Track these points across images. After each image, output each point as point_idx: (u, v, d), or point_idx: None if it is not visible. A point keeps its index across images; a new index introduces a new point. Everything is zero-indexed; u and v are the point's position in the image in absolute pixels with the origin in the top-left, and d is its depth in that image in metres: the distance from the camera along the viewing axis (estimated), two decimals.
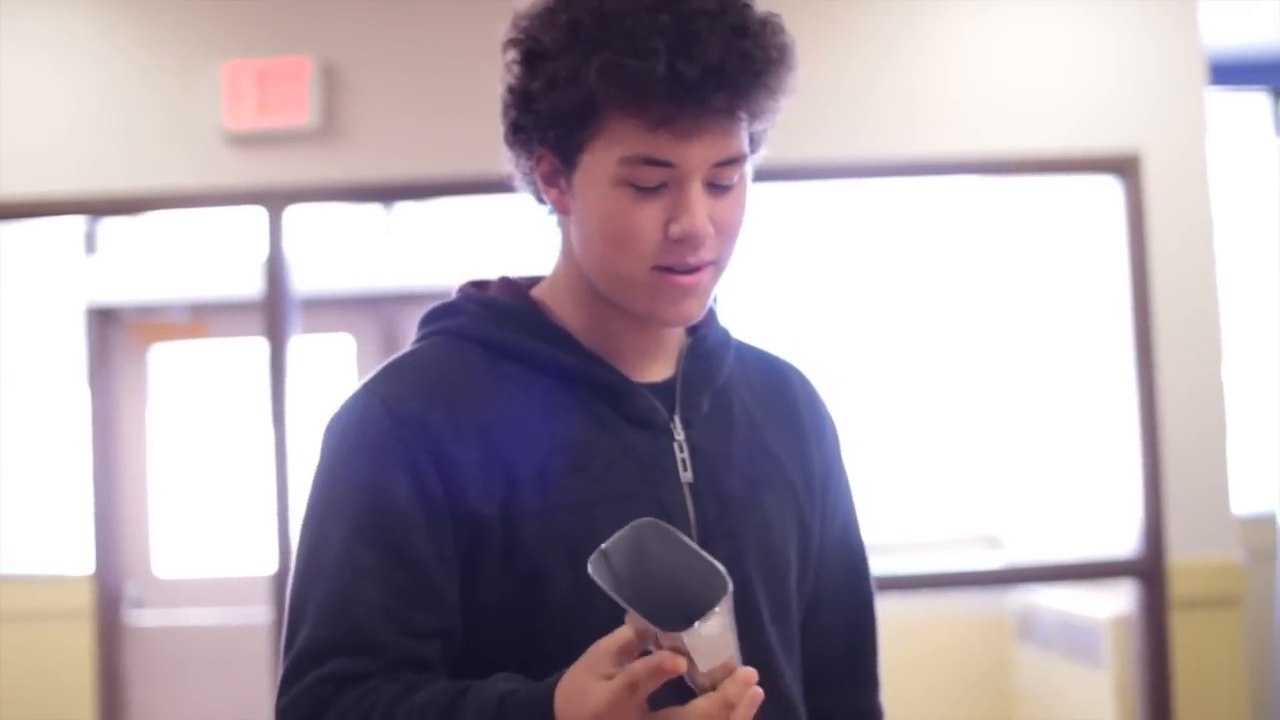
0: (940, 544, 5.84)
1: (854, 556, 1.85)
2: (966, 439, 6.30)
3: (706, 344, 1.74)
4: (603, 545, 1.39)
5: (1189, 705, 4.50)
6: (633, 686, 1.34)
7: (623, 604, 1.36)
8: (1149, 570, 4.52)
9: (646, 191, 1.54)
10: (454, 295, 1.73)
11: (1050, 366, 5.76)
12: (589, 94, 1.51)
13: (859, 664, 1.85)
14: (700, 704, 1.36)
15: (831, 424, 1.85)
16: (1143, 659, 4.55)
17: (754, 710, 1.37)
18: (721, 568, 1.37)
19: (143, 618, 6.02)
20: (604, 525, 1.53)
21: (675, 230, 1.54)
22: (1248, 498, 5.34)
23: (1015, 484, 6.15)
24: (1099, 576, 4.91)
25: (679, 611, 1.36)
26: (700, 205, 1.54)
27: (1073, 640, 5.33)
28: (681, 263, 1.56)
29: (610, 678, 1.36)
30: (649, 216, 1.54)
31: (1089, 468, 5.33)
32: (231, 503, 6.04)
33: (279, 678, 1.56)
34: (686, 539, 1.42)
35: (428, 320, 1.72)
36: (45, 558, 6.00)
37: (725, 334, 1.78)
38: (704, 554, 1.40)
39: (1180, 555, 4.52)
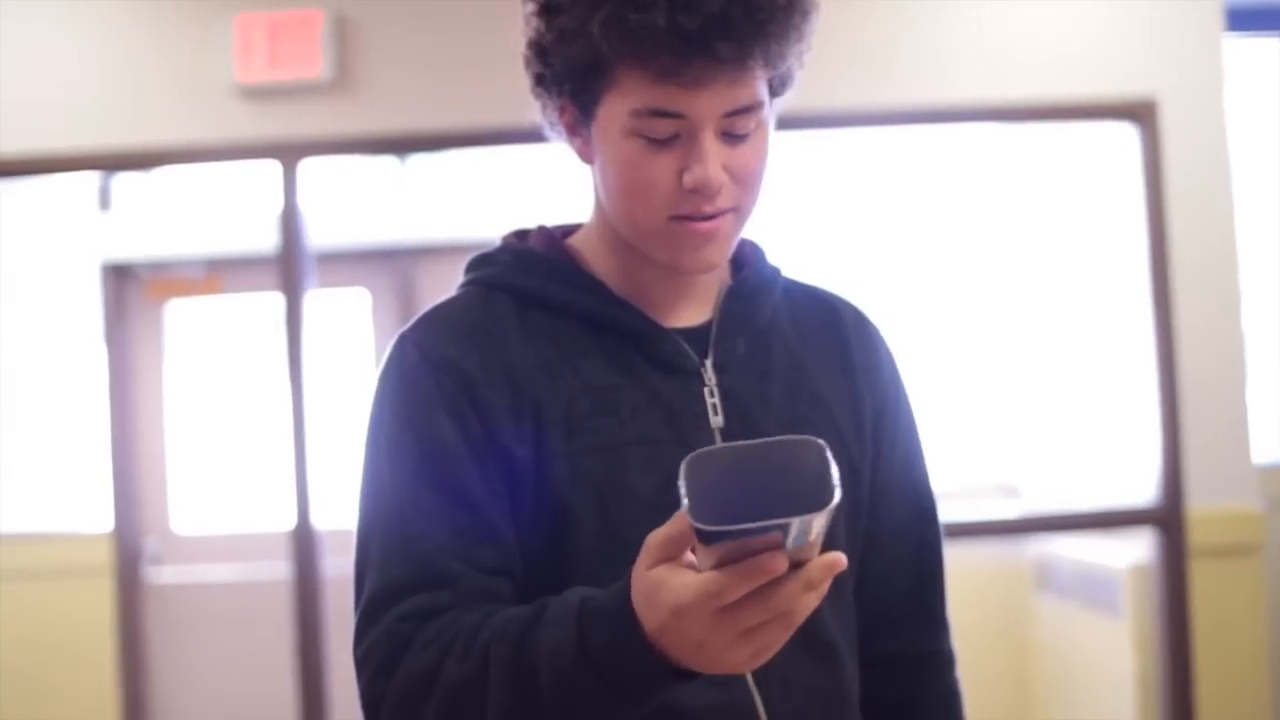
0: (958, 493, 5.82)
1: (918, 495, 1.83)
2: (983, 388, 6.29)
3: (749, 285, 1.73)
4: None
5: (1208, 654, 4.50)
6: (721, 594, 1.24)
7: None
8: (1168, 519, 4.52)
9: (659, 143, 1.53)
10: (496, 244, 1.74)
11: (1067, 314, 5.74)
12: (595, 48, 1.51)
13: (924, 605, 1.83)
14: (786, 587, 1.24)
15: (890, 361, 1.83)
16: (1162, 608, 4.55)
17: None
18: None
19: (162, 574, 6.05)
20: (631, 469, 1.55)
21: (688, 180, 1.53)
22: (1267, 446, 5.33)
23: (1033, 433, 6.14)
24: (1117, 525, 4.90)
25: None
26: (713, 154, 1.52)
27: (1091, 590, 5.32)
28: (698, 211, 1.55)
29: (676, 565, 1.29)
30: (663, 167, 1.54)
31: (1107, 416, 5.32)
32: (249, 458, 6.05)
33: (354, 627, 1.56)
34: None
35: (467, 269, 1.73)
36: (64, 515, 6.02)
37: (774, 273, 1.77)
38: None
39: (1199, 504, 4.51)
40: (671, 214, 1.56)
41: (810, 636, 1.62)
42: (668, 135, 1.52)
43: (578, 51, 1.52)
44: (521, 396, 1.59)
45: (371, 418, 1.64)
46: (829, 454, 1.21)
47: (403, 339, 1.65)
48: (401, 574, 1.54)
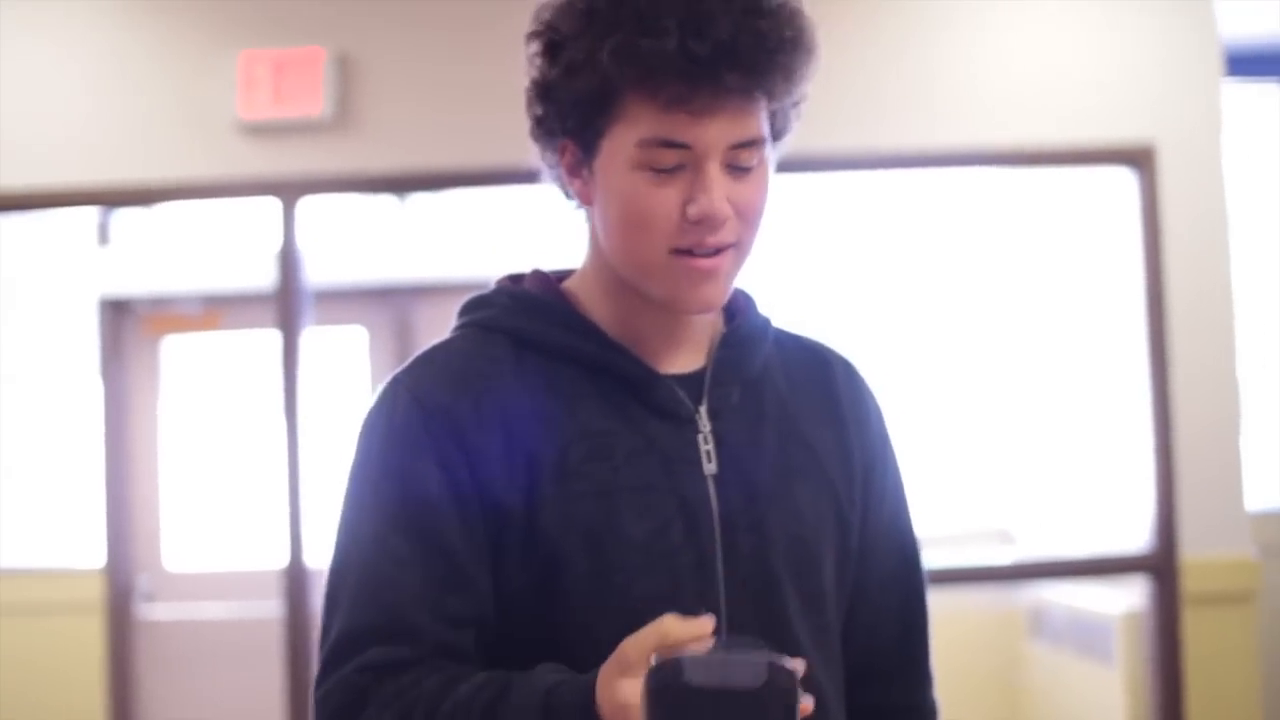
0: (952, 539, 5.82)
1: (904, 547, 1.83)
2: (978, 433, 6.29)
3: (741, 333, 1.73)
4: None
5: (1201, 702, 4.49)
6: None
7: None
8: (1161, 566, 4.51)
9: (665, 174, 1.54)
10: (490, 287, 1.75)
11: (1063, 360, 5.75)
12: (605, 77, 1.52)
13: (909, 657, 1.84)
14: None
15: (878, 414, 1.83)
16: (1155, 655, 4.54)
17: None
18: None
19: (154, 611, 6.03)
20: (623, 514, 1.56)
21: (693, 211, 1.54)
22: (1261, 493, 5.33)
23: (1027, 479, 6.14)
24: (1111, 572, 4.90)
25: None
26: (718, 186, 1.54)
27: (1084, 636, 5.32)
28: (700, 244, 1.56)
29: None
30: (667, 198, 1.54)
31: (1101, 462, 5.32)
32: (243, 496, 6.04)
33: (317, 666, 1.57)
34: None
35: (462, 312, 1.73)
36: (56, 551, 6.01)
37: (765, 323, 1.78)
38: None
39: (1193, 551, 4.51)
40: (674, 247, 1.56)
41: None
42: (673, 166, 1.53)
43: (585, 83, 1.54)
44: (514, 442, 1.59)
45: (357, 458, 1.65)
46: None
47: (395, 381, 1.65)
48: (366, 621, 1.55)
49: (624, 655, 1.38)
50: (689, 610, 1.50)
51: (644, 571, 1.57)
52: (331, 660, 1.55)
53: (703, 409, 1.67)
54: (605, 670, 1.40)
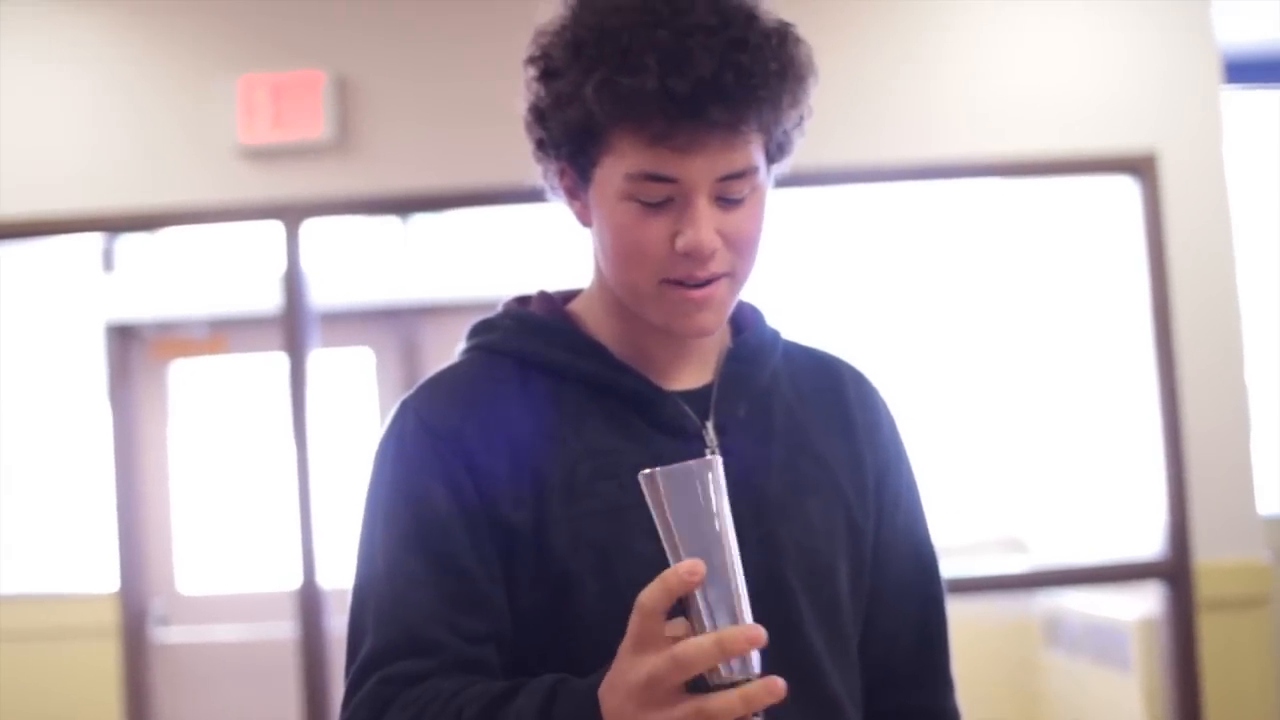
0: (965, 548, 5.82)
1: (920, 554, 1.83)
2: (989, 443, 6.28)
3: (749, 347, 1.74)
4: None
5: (1218, 707, 4.48)
6: (660, 680, 1.34)
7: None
8: (1175, 572, 4.50)
9: (653, 207, 1.54)
10: (497, 310, 1.76)
11: (1071, 369, 5.74)
12: (590, 112, 1.52)
13: (929, 662, 1.83)
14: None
15: (890, 422, 1.83)
16: (1170, 661, 4.53)
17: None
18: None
19: (168, 635, 6.03)
20: (633, 532, 1.55)
21: (680, 244, 1.54)
22: (1273, 497, 5.31)
23: (1039, 487, 6.13)
24: (1125, 579, 4.88)
25: None
26: (705, 220, 1.53)
27: (1100, 643, 5.31)
28: (690, 276, 1.56)
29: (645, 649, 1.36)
30: (656, 230, 1.55)
31: (1113, 470, 5.31)
32: (254, 518, 6.04)
33: (345, 688, 1.59)
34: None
35: (469, 335, 1.75)
36: (69, 576, 6.01)
37: (774, 335, 1.78)
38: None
39: (1206, 556, 4.50)
40: (664, 278, 1.57)
41: (815, 692, 1.65)
42: (661, 199, 1.53)
43: (573, 115, 1.54)
44: (521, 462, 1.61)
45: (371, 483, 1.67)
46: None
47: (404, 405, 1.67)
48: (389, 640, 1.57)
49: (639, 605, 1.37)
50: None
51: None
52: (356, 682, 1.57)
53: (710, 424, 1.67)
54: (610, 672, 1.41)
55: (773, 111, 1.54)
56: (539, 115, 1.61)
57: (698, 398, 1.69)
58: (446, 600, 1.57)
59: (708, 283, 1.57)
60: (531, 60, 1.61)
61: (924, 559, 1.84)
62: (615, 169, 1.54)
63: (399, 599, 1.58)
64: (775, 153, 1.61)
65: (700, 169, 1.52)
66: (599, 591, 1.57)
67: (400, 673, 1.54)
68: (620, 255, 1.58)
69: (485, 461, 1.60)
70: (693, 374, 1.70)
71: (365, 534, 1.65)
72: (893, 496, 1.80)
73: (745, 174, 1.55)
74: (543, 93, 1.59)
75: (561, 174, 1.64)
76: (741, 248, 1.58)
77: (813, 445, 1.73)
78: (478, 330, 1.74)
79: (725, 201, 1.55)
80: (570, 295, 1.76)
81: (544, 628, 1.59)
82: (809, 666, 1.64)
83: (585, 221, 1.65)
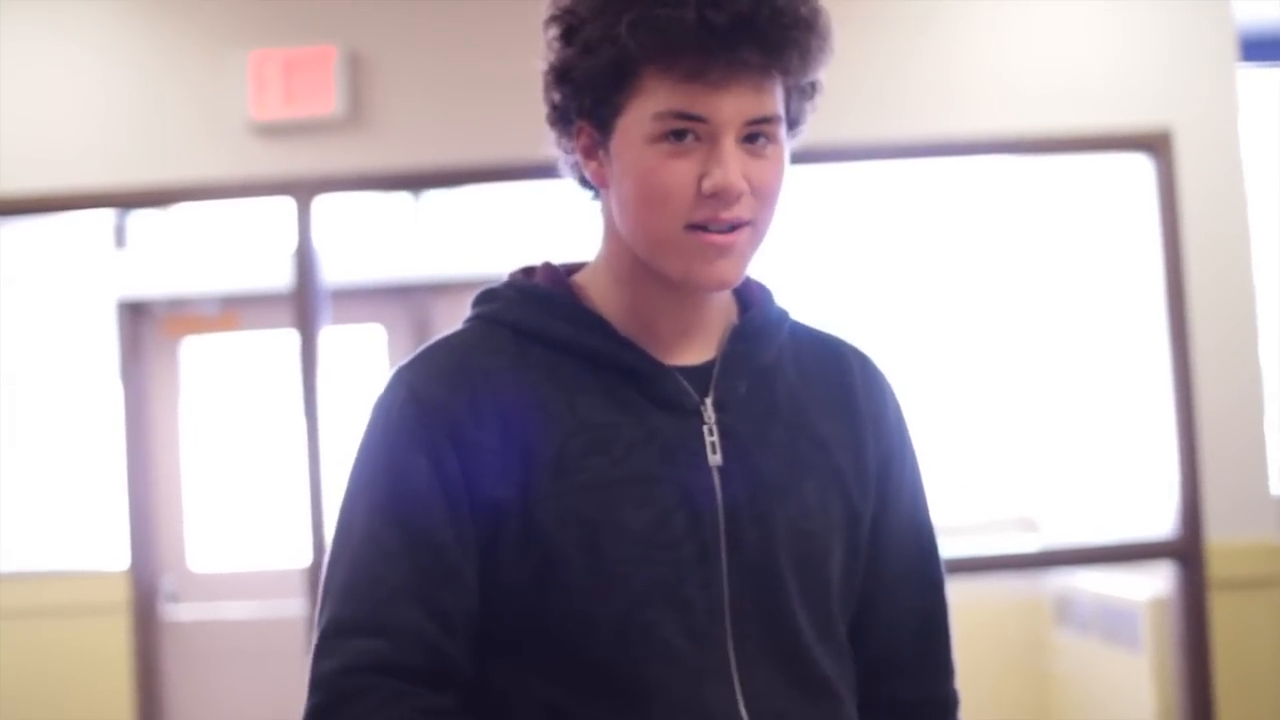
0: (976, 528, 5.81)
1: (921, 541, 1.82)
2: (1001, 422, 6.28)
3: (755, 325, 1.73)
4: None
5: (1229, 687, 4.48)
6: None
7: None
8: (1187, 552, 4.50)
9: (681, 148, 1.55)
10: (502, 280, 1.75)
11: (1084, 347, 5.73)
12: (622, 50, 1.53)
13: (928, 650, 1.83)
14: None
15: (895, 407, 1.82)
16: (1182, 641, 4.52)
17: None
18: None
19: (178, 612, 6.05)
20: (623, 506, 1.56)
21: (708, 184, 1.54)
22: None
23: (1051, 466, 6.12)
24: (1136, 559, 4.88)
25: None
26: (733, 159, 1.54)
27: (1111, 623, 5.30)
28: (715, 219, 1.56)
29: None
30: (683, 171, 1.55)
31: (1125, 449, 5.30)
32: (265, 495, 6.05)
33: (312, 644, 1.61)
34: None
35: (473, 305, 1.74)
36: (80, 553, 6.02)
37: (780, 315, 1.77)
38: None
39: (1218, 536, 4.49)
40: (689, 222, 1.56)
41: (804, 674, 1.65)
42: (689, 139, 1.54)
43: (603, 59, 1.55)
44: (511, 437, 1.60)
45: (358, 450, 1.67)
46: None
47: (399, 374, 1.67)
48: (350, 612, 1.58)
49: None
50: (691, 601, 1.54)
51: (644, 562, 1.57)
52: (323, 643, 1.59)
53: (709, 401, 1.66)
54: None
55: (800, 59, 1.55)
56: (560, 74, 1.61)
57: (699, 374, 1.68)
58: (418, 574, 1.57)
59: (731, 229, 1.57)
60: (553, 19, 1.61)
61: (925, 547, 1.83)
62: (643, 111, 1.55)
63: (370, 571, 1.58)
64: (792, 119, 1.62)
65: (730, 108, 1.53)
66: (585, 566, 1.56)
67: (359, 660, 1.55)
68: (644, 200, 1.57)
69: (474, 437, 1.59)
70: (696, 350, 1.69)
71: (347, 499, 1.65)
72: (896, 485, 1.79)
73: (771, 119, 1.56)
74: (565, 47, 1.60)
75: (578, 134, 1.63)
76: (765, 197, 1.58)
77: (813, 427, 1.72)
78: (480, 300, 1.74)
79: (751, 148, 1.56)
80: (576, 268, 1.76)
81: (529, 602, 1.59)
82: (797, 646, 1.64)
83: (601, 182, 1.65)
